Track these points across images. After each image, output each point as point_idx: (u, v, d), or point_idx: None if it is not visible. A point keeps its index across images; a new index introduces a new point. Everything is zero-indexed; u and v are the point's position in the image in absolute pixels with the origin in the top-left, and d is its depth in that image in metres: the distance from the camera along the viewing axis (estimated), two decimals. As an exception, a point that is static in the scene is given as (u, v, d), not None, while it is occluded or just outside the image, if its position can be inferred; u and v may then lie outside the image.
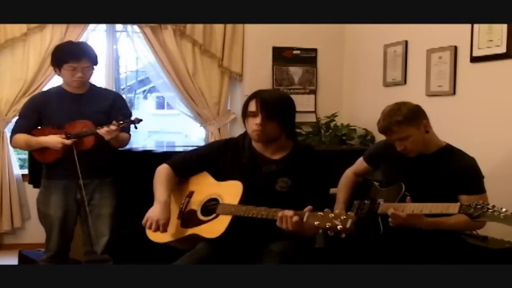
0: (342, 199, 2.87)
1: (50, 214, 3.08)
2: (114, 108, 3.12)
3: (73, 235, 3.20)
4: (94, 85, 3.20)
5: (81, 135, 2.95)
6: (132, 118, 3.06)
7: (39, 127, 3.08)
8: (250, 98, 2.47)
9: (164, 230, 2.46)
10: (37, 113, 3.09)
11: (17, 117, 3.27)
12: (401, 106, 2.57)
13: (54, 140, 2.94)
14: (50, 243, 3.11)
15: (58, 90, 3.16)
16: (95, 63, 3.10)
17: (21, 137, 3.06)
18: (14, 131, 3.13)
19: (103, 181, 3.12)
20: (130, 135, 3.17)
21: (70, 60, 2.98)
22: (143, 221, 2.50)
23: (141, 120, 3.02)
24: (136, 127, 3.09)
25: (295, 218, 2.19)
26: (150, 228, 2.46)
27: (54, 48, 3.12)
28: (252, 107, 2.43)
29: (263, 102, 2.41)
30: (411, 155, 2.62)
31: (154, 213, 2.47)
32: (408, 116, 2.53)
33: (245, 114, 2.48)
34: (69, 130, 2.96)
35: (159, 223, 2.44)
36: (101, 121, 2.98)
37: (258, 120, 2.41)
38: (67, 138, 2.93)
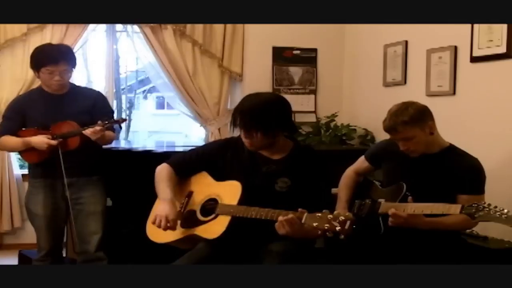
0: (344, 198, 2.87)
1: (38, 213, 3.09)
2: (96, 107, 3.13)
3: (64, 233, 3.22)
4: (74, 85, 3.21)
5: (66, 136, 2.96)
6: (116, 118, 3.09)
7: (23, 128, 3.09)
8: (234, 110, 2.46)
9: (174, 227, 2.46)
10: (20, 115, 3.10)
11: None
12: (408, 106, 2.56)
13: (40, 140, 2.95)
14: (41, 242, 3.14)
15: (39, 91, 3.17)
16: (74, 65, 3.09)
17: (6, 139, 3.08)
18: None
19: (90, 180, 3.14)
20: (115, 133, 3.19)
21: (48, 64, 2.97)
22: (151, 220, 2.49)
23: (125, 120, 3.04)
24: (120, 127, 3.14)
25: (294, 219, 2.19)
26: (159, 226, 2.45)
27: (33, 51, 3.10)
28: (237, 121, 2.43)
29: (242, 117, 2.40)
30: (413, 155, 2.62)
31: (162, 211, 2.46)
32: (414, 117, 2.52)
33: (234, 125, 2.47)
34: (55, 130, 2.98)
35: (169, 219, 2.44)
36: (85, 121, 3.00)
37: (243, 133, 2.44)
38: (53, 138, 2.94)
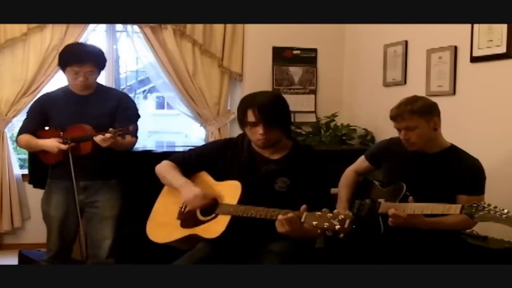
0: (344, 198, 2.88)
1: (51, 214, 3.07)
2: (119, 108, 3.06)
3: (76, 237, 3.17)
4: (101, 86, 3.16)
5: (77, 140, 2.91)
6: (126, 127, 2.94)
7: (46, 128, 3.07)
8: (246, 107, 2.43)
9: (204, 200, 2.46)
10: (41, 114, 3.07)
11: (24, 117, 3.25)
12: (419, 99, 2.63)
13: (50, 144, 2.93)
14: (50, 243, 3.11)
15: (64, 90, 3.11)
16: (101, 67, 3.04)
17: (24, 138, 3.07)
18: (19, 132, 3.14)
19: (107, 183, 3.09)
20: (136, 138, 3.12)
21: (73, 63, 2.94)
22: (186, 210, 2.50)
23: (137, 128, 2.98)
24: (136, 136, 3.07)
25: (293, 217, 2.20)
26: (193, 208, 2.48)
27: (62, 49, 3.07)
28: (251, 117, 2.40)
29: (262, 111, 2.37)
30: (411, 148, 2.63)
31: (187, 194, 2.48)
32: (422, 108, 2.57)
33: (243, 122, 2.46)
34: (68, 134, 2.93)
35: (198, 195, 2.45)
36: (106, 123, 2.92)
37: (260, 130, 2.39)
38: (64, 143, 2.90)
